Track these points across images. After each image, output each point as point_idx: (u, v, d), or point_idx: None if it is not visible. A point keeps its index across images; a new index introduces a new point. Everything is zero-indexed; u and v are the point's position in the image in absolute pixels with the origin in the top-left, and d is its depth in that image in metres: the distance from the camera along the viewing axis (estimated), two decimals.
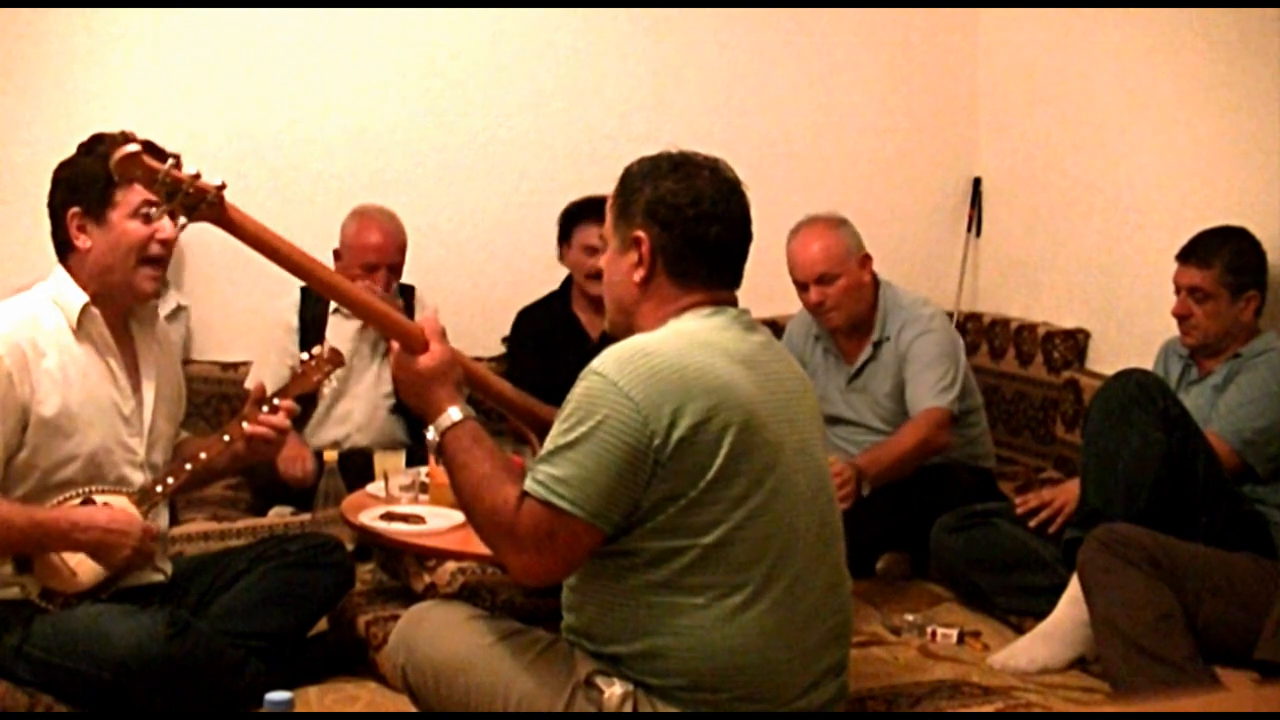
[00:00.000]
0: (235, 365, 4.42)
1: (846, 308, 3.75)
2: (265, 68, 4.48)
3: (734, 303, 2.32)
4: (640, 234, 2.27)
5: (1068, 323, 4.51)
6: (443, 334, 2.32)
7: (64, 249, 2.81)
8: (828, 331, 3.87)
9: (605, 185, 5.00)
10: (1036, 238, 4.74)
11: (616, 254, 2.33)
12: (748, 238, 2.33)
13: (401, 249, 4.07)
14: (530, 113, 4.70)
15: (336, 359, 2.97)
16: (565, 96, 4.73)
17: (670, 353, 2.14)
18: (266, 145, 4.44)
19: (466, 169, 4.66)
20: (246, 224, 2.16)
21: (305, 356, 2.97)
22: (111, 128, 4.16)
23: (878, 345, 3.80)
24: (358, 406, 4.07)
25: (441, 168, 4.64)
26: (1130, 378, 3.13)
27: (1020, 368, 4.53)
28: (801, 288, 3.75)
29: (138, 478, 2.81)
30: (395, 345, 2.32)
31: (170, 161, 2.02)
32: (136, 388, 2.86)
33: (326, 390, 3.77)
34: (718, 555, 2.15)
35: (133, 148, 2.01)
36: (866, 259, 3.77)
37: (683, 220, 2.26)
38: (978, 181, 5.02)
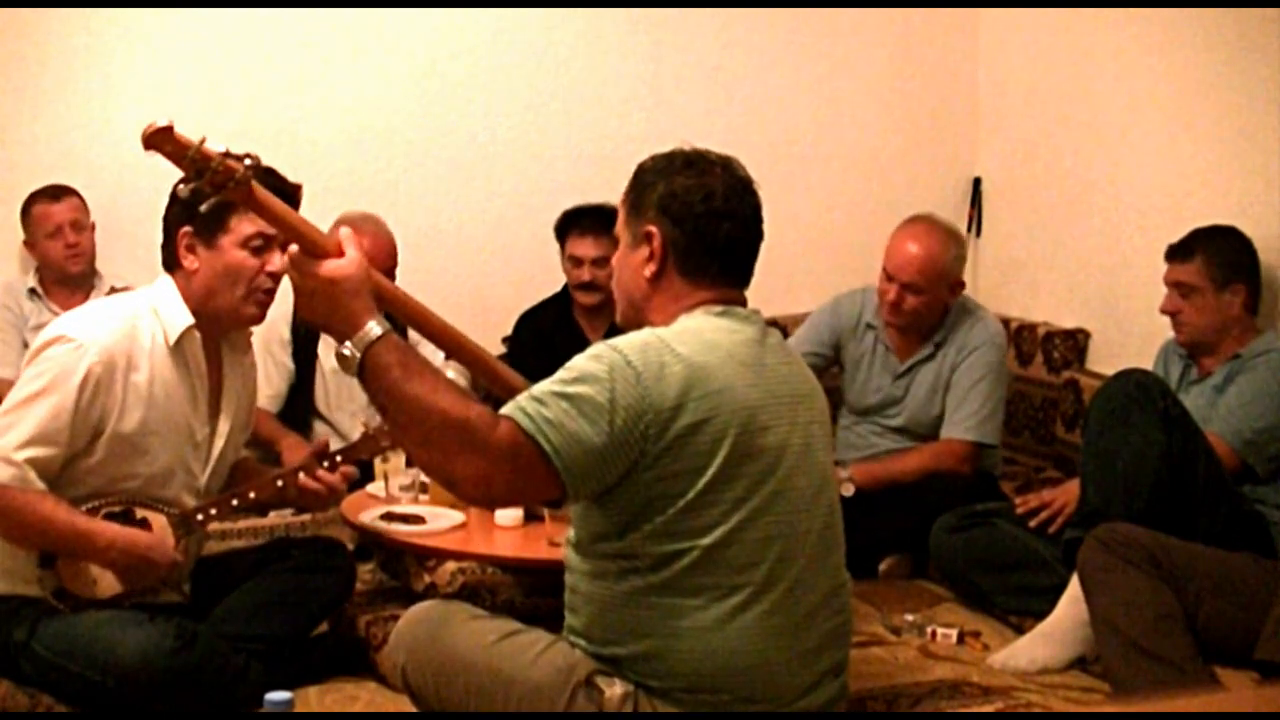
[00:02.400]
0: None
1: (914, 317, 3.78)
2: (265, 68, 4.47)
3: (743, 302, 2.32)
4: (652, 229, 2.28)
5: (1068, 323, 4.51)
6: (357, 243, 2.15)
7: (171, 263, 2.79)
8: (882, 324, 3.87)
9: (605, 185, 5.01)
10: (1036, 238, 4.74)
11: (628, 249, 2.33)
12: (759, 236, 2.33)
13: (392, 254, 3.97)
14: (530, 113, 4.70)
15: None
16: (565, 97, 4.73)
17: (682, 351, 2.14)
18: (266, 146, 4.36)
19: (466, 169, 4.66)
20: (271, 205, 2.12)
21: (379, 422, 2.93)
22: (112, 128, 4.18)
23: (938, 346, 3.81)
24: (359, 418, 4.08)
25: (441, 168, 4.64)
26: (1130, 378, 3.13)
27: (1020, 368, 4.53)
28: (886, 276, 3.76)
29: (190, 502, 2.80)
30: (293, 250, 2.11)
31: (201, 139, 2.01)
32: (214, 414, 2.85)
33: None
34: (717, 556, 2.15)
35: (164, 122, 1.99)
36: (956, 285, 3.79)
37: (694, 216, 2.26)
38: (978, 181, 5.02)
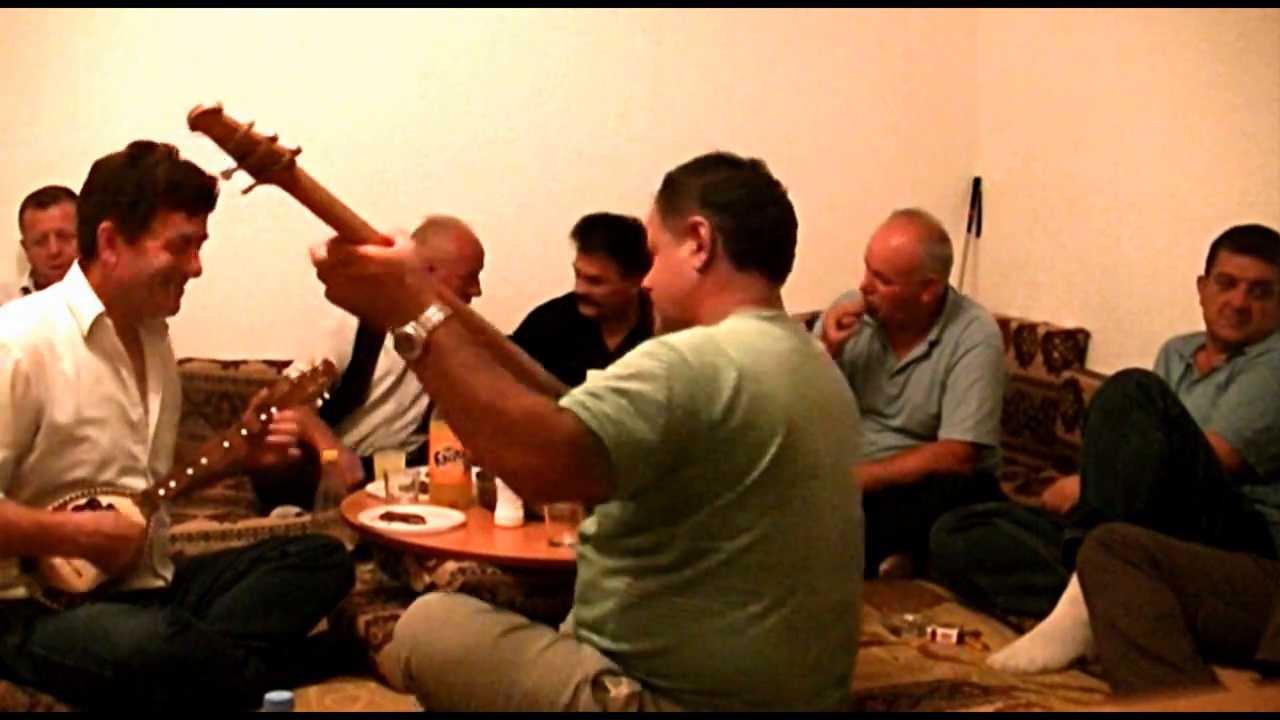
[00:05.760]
0: (235, 364, 4.42)
1: (887, 310, 3.80)
2: (265, 68, 4.48)
3: (781, 302, 2.33)
4: (698, 219, 2.28)
5: (1068, 323, 4.51)
6: (408, 236, 2.07)
7: (88, 252, 2.79)
8: (878, 322, 3.89)
9: (605, 185, 5.02)
10: (1036, 238, 4.74)
11: (671, 247, 2.32)
12: (795, 224, 2.36)
13: (478, 257, 4.15)
14: (530, 113, 4.70)
15: (330, 371, 2.98)
16: (565, 96, 4.73)
17: (733, 354, 2.12)
18: None
19: (466, 169, 4.66)
20: (316, 191, 2.02)
21: (303, 368, 2.96)
22: (112, 128, 4.19)
23: (933, 344, 3.82)
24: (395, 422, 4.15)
25: (442, 168, 4.64)
26: (1130, 378, 3.13)
27: (1020, 368, 4.53)
28: (865, 262, 3.79)
29: (139, 484, 2.82)
30: (333, 240, 2.01)
31: (249, 122, 1.99)
32: (144, 395, 2.86)
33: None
34: (743, 561, 2.14)
35: (212, 103, 1.98)
36: (930, 283, 3.78)
37: (737, 202, 2.29)
38: (978, 181, 5.02)
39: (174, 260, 2.76)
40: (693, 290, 2.30)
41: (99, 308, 2.76)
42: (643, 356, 2.10)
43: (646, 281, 2.40)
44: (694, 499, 2.12)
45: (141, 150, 2.78)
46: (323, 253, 2.01)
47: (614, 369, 2.10)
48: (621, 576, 2.20)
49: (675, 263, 2.32)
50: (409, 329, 1.98)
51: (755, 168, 2.35)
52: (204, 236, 2.82)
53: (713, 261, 2.28)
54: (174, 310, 2.86)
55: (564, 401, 2.05)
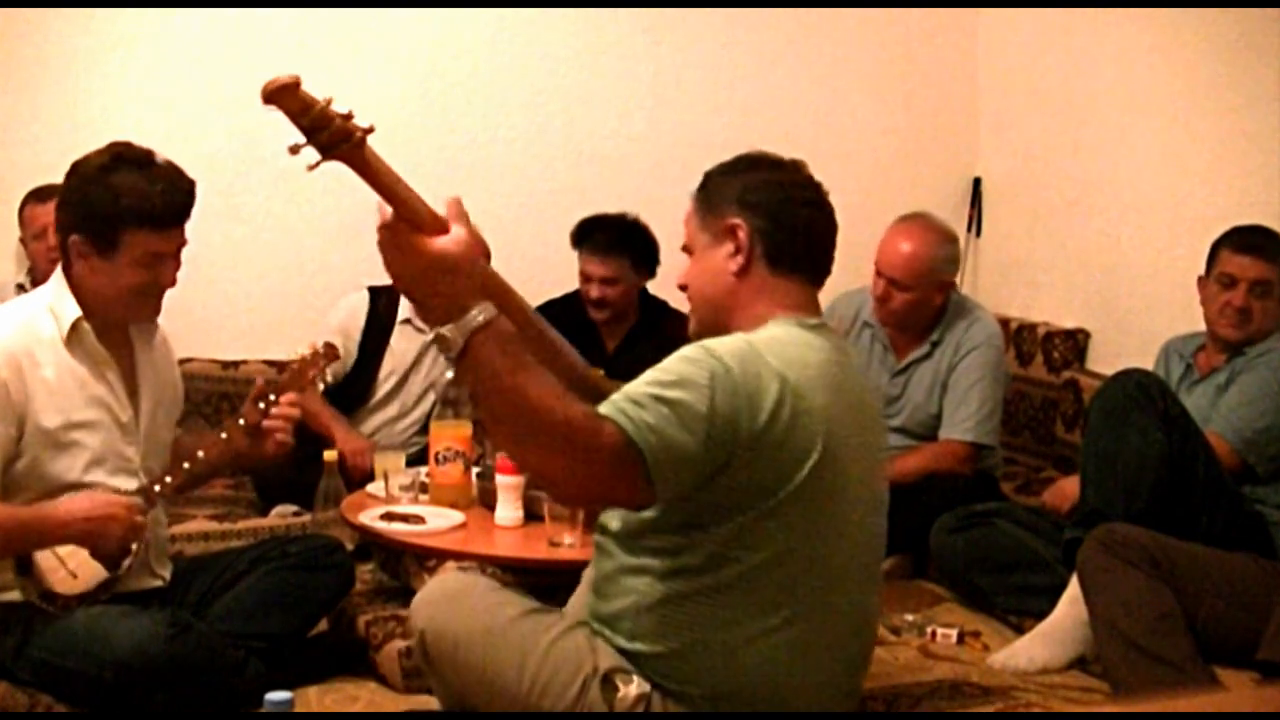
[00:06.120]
0: (235, 364, 4.42)
1: (902, 315, 3.79)
2: (265, 68, 4.45)
3: (819, 306, 2.30)
4: (736, 221, 2.24)
5: (1068, 323, 4.51)
6: (466, 217, 2.05)
7: (66, 258, 2.76)
8: (879, 322, 3.89)
9: (604, 185, 5.01)
10: (1036, 238, 4.74)
11: (707, 250, 2.28)
12: (835, 226, 2.31)
13: (483, 255, 4.15)
14: (530, 113, 4.71)
15: (331, 354, 2.94)
16: (565, 97, 4.73)
17: (775, 364, 2.09)
18: (266, 146, 4.43)
19: (467, 169, 4.66)
20: (381, 172, 2.01)
21: (304, 352, 2.93)
22: (111, 128, 4.18)
23: (935, 345, 3.82)
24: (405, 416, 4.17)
25: (442, 168, 4.63)
26: (1130, 378, 3.13)
27: (1020, 368, 4.53)
28: (876, 271, 3.79)
29: (133, 484, 2.80)
30: (389, 216, 2.00)
31: (327, 99, 1.98)
32: (134, 394, 2.84)
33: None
34: (765, 573, 2.12)
35: (289, 78, 1.96)
36: (945, 285, 3.78)
37: (776, 203, 2.24)
38: (978, 181, 5.02)
39: (147, 276, 2.72)
40: (729, 294, 2.26)
41: (77, 312, 2.74)
42: (685, 363, 2.06)
43: (683, 279, 2.35)
44: (726, 508, 2.10)
45: (114, 161, 2.71)
46: (382, 223, 1.99)
47: (655, 374, 2.06)
48: (642, 575, 2.18)
49: (712, 265, 2.27)
50: (446, 330, 1.96)
51: (796, 168, 2.31)
52: (181, 245, 2.77)
53: (750, 265, 2.24)
54: (153, 318, 2.84)
55: (604, 409, 2.01)
